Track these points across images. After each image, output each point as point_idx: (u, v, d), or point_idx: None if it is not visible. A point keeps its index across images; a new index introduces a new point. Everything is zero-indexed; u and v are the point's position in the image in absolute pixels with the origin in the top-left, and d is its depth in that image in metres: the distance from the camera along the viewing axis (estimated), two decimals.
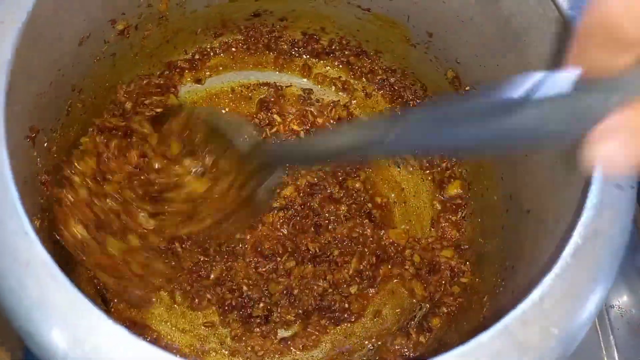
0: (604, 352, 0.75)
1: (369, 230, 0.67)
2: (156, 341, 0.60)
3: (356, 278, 0.65)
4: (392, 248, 0.67)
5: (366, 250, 0.66)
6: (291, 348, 0.63)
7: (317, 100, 0.74)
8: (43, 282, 0.33)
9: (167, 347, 0.59)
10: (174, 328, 0.62)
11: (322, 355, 0.64)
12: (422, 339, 0.61)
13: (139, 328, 0.60)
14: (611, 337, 0.76)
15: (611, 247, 0.38)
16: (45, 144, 0.53)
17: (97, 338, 0.32)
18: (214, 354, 0.62)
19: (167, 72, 0.69)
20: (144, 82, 0.68)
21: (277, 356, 0.63)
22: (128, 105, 0.64)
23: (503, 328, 0.35)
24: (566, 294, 0.37)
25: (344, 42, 0.74)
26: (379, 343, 0.64)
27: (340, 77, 0.75)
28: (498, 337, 0.35)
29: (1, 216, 0.36)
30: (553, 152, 0.51)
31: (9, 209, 0.36)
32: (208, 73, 0.72)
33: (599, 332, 0.76)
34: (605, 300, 0.77)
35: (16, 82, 0.41)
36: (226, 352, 0.62)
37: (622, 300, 0.79)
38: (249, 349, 0.62)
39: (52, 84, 0.51)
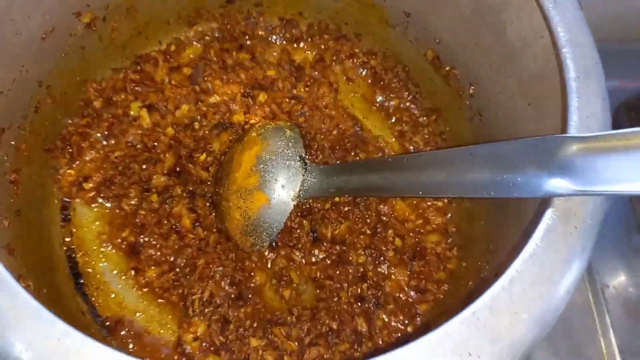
0: (599, 332, 0.74)
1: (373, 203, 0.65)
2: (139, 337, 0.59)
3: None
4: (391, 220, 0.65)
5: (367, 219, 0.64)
6: None
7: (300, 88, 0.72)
8: None
9: (149, 344, 0.58)
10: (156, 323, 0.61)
11: None
12: (409, 328, 0.60)
13: (120, 323, 0.59)
14: (607, 317, 0.74)
15: (583, 229, 0.37)
16: (13, 143, 0.52)
17: (49, 342, 0.31)
18: None
19: (141, 64, 0.67)
20: (120, 75, 0.67)
21: None
22: (97, 103, 0.63)
23: (470, 315, 0.34)
24: (537, 277, 0.35)
25: (322, 26, 0.72)
26: None
27: (320, 61, 0.73)
28: (466, 325, 0.34)
29: None
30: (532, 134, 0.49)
31: None
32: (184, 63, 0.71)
33: (595, 312, 0.74)
34: (600, 281, 0.76)
35: None
36: None
37: (619, 280, 0.77)
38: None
39: (15, 81, 0.50)
